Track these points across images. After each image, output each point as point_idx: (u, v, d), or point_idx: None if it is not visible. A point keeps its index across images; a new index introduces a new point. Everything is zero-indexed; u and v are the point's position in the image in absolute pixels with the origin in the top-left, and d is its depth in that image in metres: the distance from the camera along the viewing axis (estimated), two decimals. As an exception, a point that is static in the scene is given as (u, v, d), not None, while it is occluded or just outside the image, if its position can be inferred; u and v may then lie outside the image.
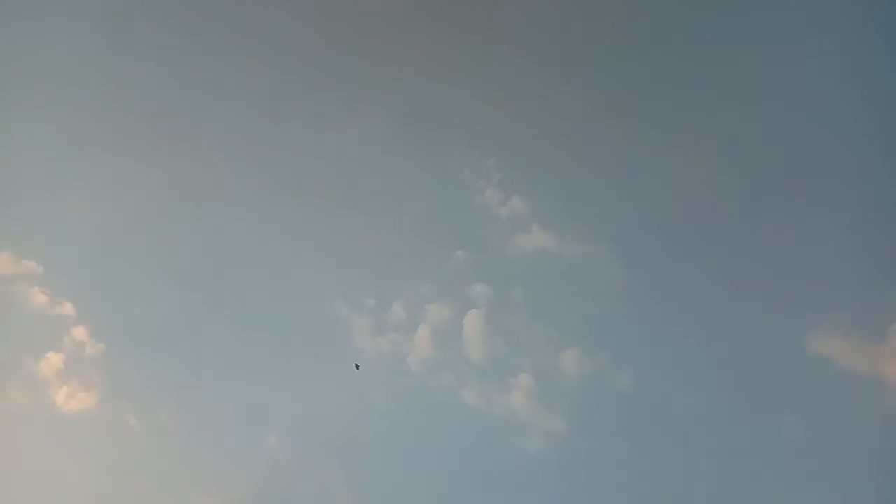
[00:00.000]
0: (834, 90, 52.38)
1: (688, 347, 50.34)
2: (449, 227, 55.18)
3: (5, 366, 51.22)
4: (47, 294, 52.77)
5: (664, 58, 54.27)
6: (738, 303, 50.72)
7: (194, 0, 57.79)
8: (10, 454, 47.49)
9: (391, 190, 55.19)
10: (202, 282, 54.78)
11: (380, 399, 51.47)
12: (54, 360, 51.62)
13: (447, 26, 55.97)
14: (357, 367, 47.87)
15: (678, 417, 48.69)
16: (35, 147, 54.18)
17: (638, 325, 51.44)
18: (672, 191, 52.52)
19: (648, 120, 54.16)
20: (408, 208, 54.90)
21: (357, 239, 55.06)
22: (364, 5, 57.66)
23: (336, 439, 50.19)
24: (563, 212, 54.12)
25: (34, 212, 53.64)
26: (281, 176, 56.30)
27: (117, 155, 55.82)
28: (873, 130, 51.10)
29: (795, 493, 45.35)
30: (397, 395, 51.73)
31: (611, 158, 53.49)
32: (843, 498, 44.88)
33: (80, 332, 52.29)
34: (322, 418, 50.76)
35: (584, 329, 51.53)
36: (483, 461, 48.87)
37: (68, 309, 52.73)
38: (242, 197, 56.40)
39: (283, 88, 56.69)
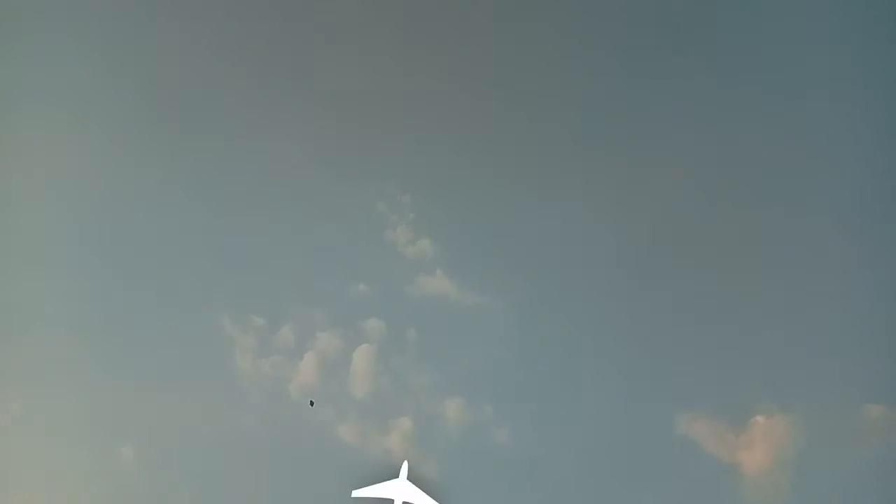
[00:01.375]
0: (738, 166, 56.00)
1: (566, 412, 51.58)
2: (354, 258, 54.43)
3: None
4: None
5: (582, 122, 56.31)
6: (620, 375, 52.64)
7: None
8: None
9: (301, 210, 53.91)
10: (82, 271, 51.32)
11: (250, 423, 49.43)
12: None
13: (392, 56, 56.07)
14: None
15: (547, 478, 49.57)
16: None
17: (523, 383, 52.23)
18: (577, 260, 54.33)
19: (563, 183, 55.97)
20: (316, 231, 53.79)
21: (256, 254, 53.24)
22: (295, 28, 56.69)
23: (195, 459, 47.71)
24: (469, 261, 54.71)
25: None
26: (189, 182, 53.85)
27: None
28: (763, 230, 55.25)
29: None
30: (270, 422, 49.85)
31: (525, 217, 54.69)
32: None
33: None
34: (184, 435, 48.15)
35: (471, 380, 51.81)
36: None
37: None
38: (138, 192, 53.54)
39: (196, 100, 54.82)
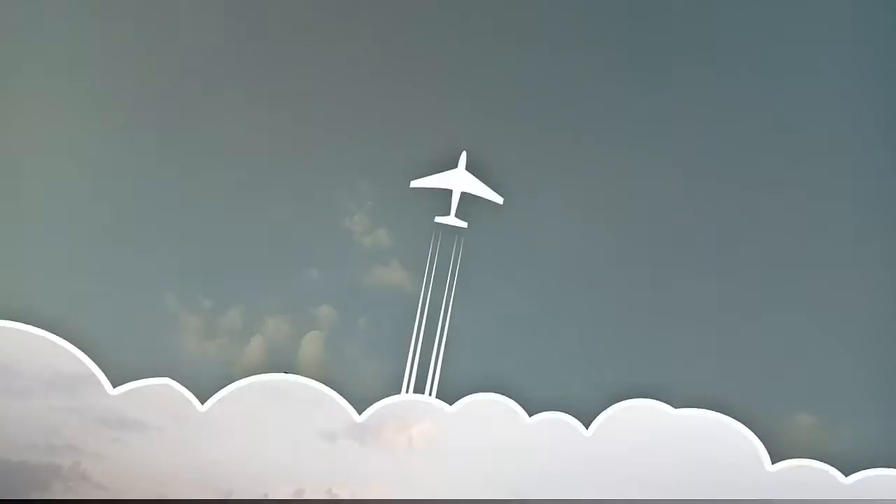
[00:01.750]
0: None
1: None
2: (309, 243, 53.59)
3: None
4: None
5: (555, 119, 56.15)
6: (570, 377, 52.72)
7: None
8: None
9: (256, 192, 52.91)
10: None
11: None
12: None
13: (355, 43, 55.67)
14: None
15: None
16: None
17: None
18: (534, 260, 54.24)
19: (529, 181, 55.85)
20: (270, 214, 52.83)
21: (207, 233, 52.11)
22: (256, 20, 56.08)
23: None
24: (425, 254, 54.25)
25: None
26: (142, 159, 52.02)
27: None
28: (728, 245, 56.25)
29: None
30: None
31: (487, 215, 54.46)
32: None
33: None
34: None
35: (422, 373, 51.35)
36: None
37: None
38: (89, 166, 52.05)
39: (152, 83, 53.46)
